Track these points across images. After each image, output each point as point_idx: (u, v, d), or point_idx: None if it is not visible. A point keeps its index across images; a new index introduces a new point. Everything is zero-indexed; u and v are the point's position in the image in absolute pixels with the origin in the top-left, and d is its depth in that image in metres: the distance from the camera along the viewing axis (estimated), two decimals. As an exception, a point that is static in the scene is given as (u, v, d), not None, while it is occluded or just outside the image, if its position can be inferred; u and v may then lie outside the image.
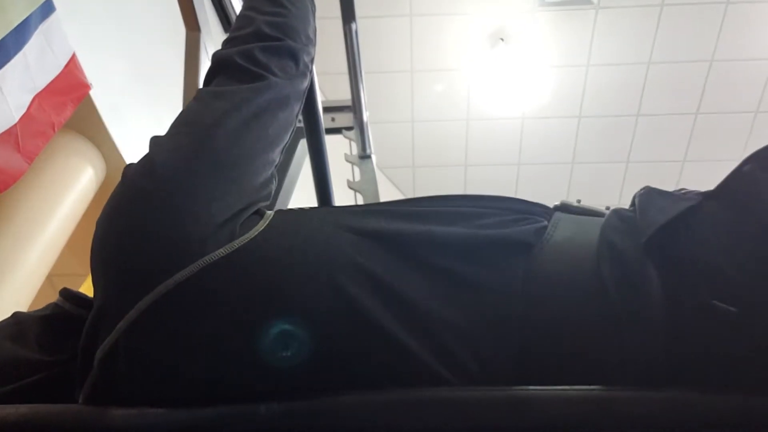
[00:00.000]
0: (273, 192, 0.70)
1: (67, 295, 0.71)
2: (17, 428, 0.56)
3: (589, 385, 0.52)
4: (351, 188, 1.80)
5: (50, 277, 2.10)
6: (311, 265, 0.58)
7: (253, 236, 0.59)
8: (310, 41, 0.85)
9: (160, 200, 0.60)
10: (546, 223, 0.64)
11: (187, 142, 0.66)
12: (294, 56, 0.78)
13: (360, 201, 1.75)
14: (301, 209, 0.70)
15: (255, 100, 0.70)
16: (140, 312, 0.56)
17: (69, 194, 2.09)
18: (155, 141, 0.67)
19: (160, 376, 0.56)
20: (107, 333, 0.57)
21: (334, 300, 0.56)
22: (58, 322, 0.70)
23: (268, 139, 0.70)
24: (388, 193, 4.22)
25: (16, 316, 0.73)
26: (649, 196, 0.63)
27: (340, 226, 0.62)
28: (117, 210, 0.63)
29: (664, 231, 0.57)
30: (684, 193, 0.61)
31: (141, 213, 0.60)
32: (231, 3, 2.64)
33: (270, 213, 0.65)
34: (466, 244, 0.60)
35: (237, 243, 0.58)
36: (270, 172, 0.70)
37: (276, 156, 0.72)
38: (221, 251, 0.57)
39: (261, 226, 0.61)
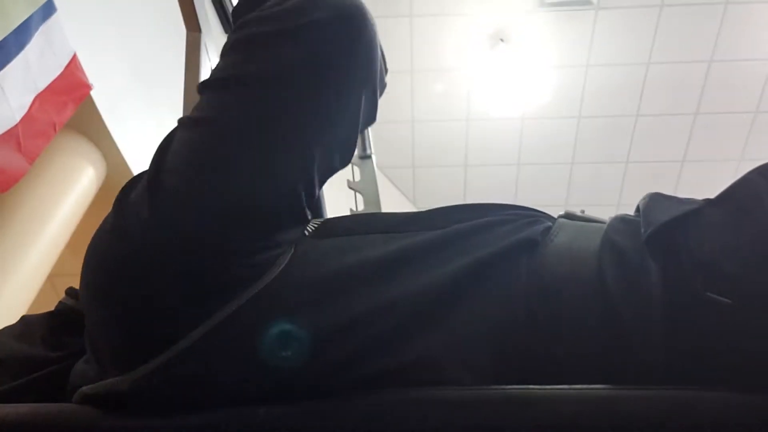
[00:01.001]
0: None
1: (72, 292, 0.72)
2: (17, 428, 0.56)
3: (591, 382, 0.53)
4: (351, 188, 1.79)
5: (51, 277, 2.10)
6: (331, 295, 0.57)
7: (282, 266, 0.58)
8: None
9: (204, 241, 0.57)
10: (550, 224, 0.65)
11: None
12: None
13: (360, 201, 1.75)
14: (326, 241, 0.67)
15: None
16: (199, 337, 0.54)
17: (70, 194, 2.10)
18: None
19: (198, 396, 0.56)
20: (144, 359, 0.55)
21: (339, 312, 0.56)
22: (61, 318, 0.70)
23: None
24: (388, 193, 4.22)
25: (24, 318, 0.74)
26: (653, 199, 0.64)
27: (361, 255, 0.60)
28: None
29: (666, 228, 0.58)
30: (688, 200, 0.62)
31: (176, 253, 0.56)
32: (231, 3, 2.64)
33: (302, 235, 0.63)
34: (478, 246, 0.61)
35: (269, 276, 0.57)
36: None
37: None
38: (257, 285, 0.56)
39: (287, 255, 0.60)
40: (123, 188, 0.63)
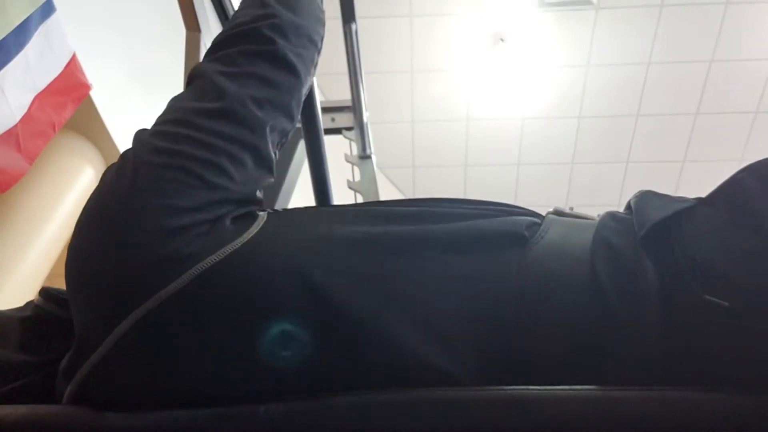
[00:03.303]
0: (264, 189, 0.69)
1: (48, 295, 0.70)
2: (16, 428, 0.56)
3: (585, 381, 0.53)
4: (351, 188, 1.80)
5: (50, 277, 2.11)
6: (295, 271, 0.57)
7: (243, 242, 0.58)
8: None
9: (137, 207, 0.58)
10: (539, 220, 0.65)
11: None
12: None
13: (360, 201, 1.75)
14: (294, 211, 0.69)
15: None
16: (130, 326, 0.54)
17: (69, 194, 2.10)
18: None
19: (152, 386, 0.56)
20: (92, 348, 0.56)
21: (316, 300, 0.56)
22: (40, 323, 0.69)
23: None
24: (388, 194, 4.22)
25: None
26: (645, 197, 0.64)
27: (330, 232, 0.61)
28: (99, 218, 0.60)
29: (660, 227, 0.58)
30: (680, 198, 0.63)
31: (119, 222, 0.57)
32: (231, 3, 2.64)
33: (263, 215, 0.63)
34: (462, 237, 0.61)
35: (229, 248, 0.57)
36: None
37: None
38: (212, 258, 0.56)
39: (253, 230, 0.60)
40: None
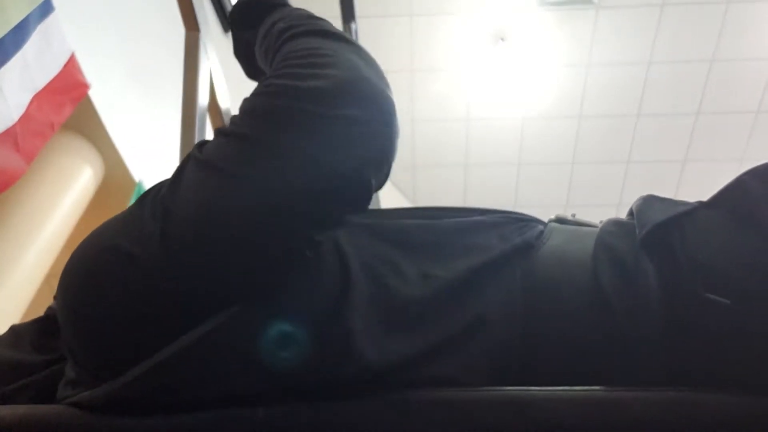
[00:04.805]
0: None
1: None
2: (15, 429, 0.55)
3: (588, 382, 0.53)
4: (351, 188, 1.79)
5: (48, 278, 2.10)
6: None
7: None
8: None
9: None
10: (543, 228, 0.65)
11: None
12: None
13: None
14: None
15: None
16: (199, 336, 0.52)
17: (68, 194, 2.10)
18: None
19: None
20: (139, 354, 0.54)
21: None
22: (51, 322, 0.69)
23: None
24: (388, 193, 4.22)
25: (13, 327, 0.73)
26: (646, 201, 0.64)
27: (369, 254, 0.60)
28: None
29: (661, 229, 0.58)
30: (682, 201, 0.63)
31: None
32: (230, 3, 2.64)
33: None
34: (469, 246, 0.61)
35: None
36: None
37: None
38: None
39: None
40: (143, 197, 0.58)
